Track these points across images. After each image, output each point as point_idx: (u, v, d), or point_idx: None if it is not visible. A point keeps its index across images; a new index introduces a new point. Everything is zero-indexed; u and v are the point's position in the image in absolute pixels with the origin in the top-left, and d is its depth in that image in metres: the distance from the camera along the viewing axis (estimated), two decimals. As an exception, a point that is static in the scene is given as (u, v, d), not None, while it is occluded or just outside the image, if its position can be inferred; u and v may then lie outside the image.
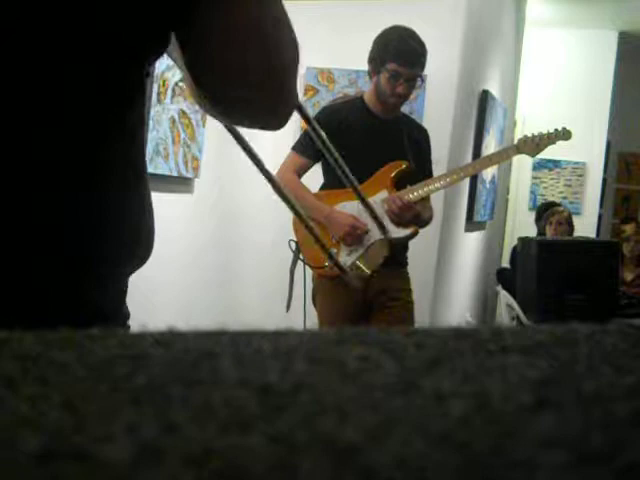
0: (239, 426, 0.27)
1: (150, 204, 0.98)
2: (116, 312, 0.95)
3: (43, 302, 0.85)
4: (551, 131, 3.39)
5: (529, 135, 3.41)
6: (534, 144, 3.37)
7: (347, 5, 4.47)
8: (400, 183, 3.17)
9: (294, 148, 3.23)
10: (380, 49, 3.13)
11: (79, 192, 0.87)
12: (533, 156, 3.50)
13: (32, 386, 0.31)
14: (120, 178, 0.92)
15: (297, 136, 3.44)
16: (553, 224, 5.76)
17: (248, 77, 0.92)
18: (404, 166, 3.16)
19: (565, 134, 3.39)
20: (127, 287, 0.98)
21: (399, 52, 3.08)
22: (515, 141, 3.55)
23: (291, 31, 0.95)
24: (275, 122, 1.01)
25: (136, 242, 0.95)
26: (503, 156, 3.66)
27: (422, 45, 3.14)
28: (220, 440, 0.26)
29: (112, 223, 0.91)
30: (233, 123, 1.08)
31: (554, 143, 3.40)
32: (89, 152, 0.88)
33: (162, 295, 3.66)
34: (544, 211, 6.11)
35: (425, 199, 3.24)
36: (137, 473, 0.23)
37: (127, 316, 0.98)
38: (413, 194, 3.13)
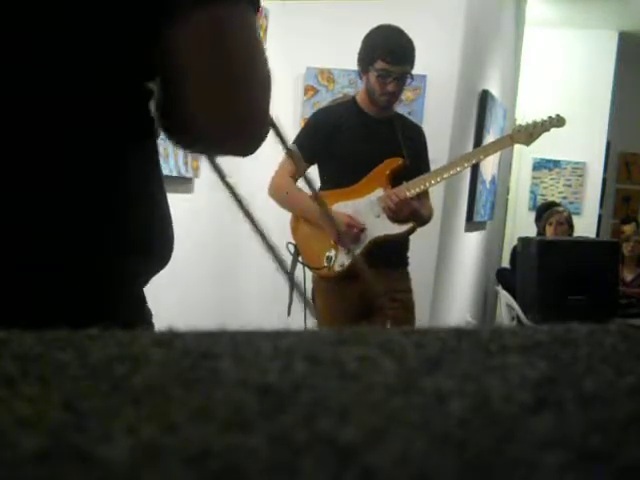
0: (239, 426, 0.27)
1: (166, 208, 0.98)
2: (136, 317, 0.95)
3: (60, 313, 0.85)
4: (545, 119, 3.38)
5: (522, 124, 3.41)
6: (528, 133, 3.35)
7: (347, 5, 4.47)
8: (396, 180, 3.17)
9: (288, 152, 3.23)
10: (367, 49, 3.13)
11: (87, 197, 0.87)
12: (528, 145, 3.48)
13: (32, 386, 0.31)
14: (132, 186, 0.92)
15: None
16: (553, 224, 5.75)
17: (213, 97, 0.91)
18: (399, 163, 3.16)
19: (559, 121, 3.37)
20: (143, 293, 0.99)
21: (386, 50, 3.08)
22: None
23: (263, 62, 0.94)
24: (241, 147, 1.00)
25: (155, 247, 0.95)
26: (498, 146, 3.64)
27: (409, 42, 3.13)
28: (220, 440, 0.26)
29: (126, 228, 0.91)
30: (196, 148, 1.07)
31: (548, 130, 3.38)
32: (100, 161, 0.88)
33: (162, 295, 3.66)
34: (544, 211, 6.11)
35: (424, 197, 3.23)
36: (137, 473, 0.23)
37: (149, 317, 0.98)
38: (409, 190, 3.13)
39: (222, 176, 1.11)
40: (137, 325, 0.93)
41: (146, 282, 0.98)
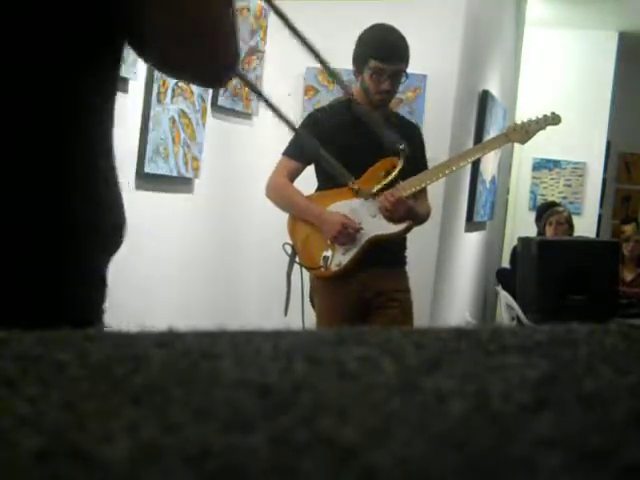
0: (239, 426, 0.27)
1: (116, 194, 0.98)
2: (92, 305, 0.95)
3: (21, 299, 0.86)
4: (540, 117, 3.37)
5: (518, 123, 3.40)
6: (523, 131, 3.35)
7: (347, 5, 4.47)
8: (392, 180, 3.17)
9: (285, 153, 3.24)
10: (361, 48, 3.15)
11: (39, 188, 0.88)
12: (523, 143, 3.47)
13: (32, 386, 0.31)
14: (79, 174, 0.92)
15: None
16: (553, 224, 5.75)
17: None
18: (394, 162, 3.16)
19: (554, 119, 3.36)
20: (102, 278, 0.97)
21: (379, 49, 3.09)
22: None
23: None
24: (209, 68, 0.99)
25: (104, 232, 0.95)
26: (493, 145, 3.64)
27: (403, 40, 3.14)
28: (220, 440, 0.26)
29: (71, 216, 0.91)
30: (170, 72, 1.09)
31: (543, 129, 3.37)
32: (50, 149, 0.89)
33: (162, 295, 3.66)
34: (544, 211, 6.11)
35: (422, 196, 3.23)
36: (137, 473, 0.23)
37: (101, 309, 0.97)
38: (405, 190, 3.13)
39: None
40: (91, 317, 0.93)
41: (104, 265, 0.97)
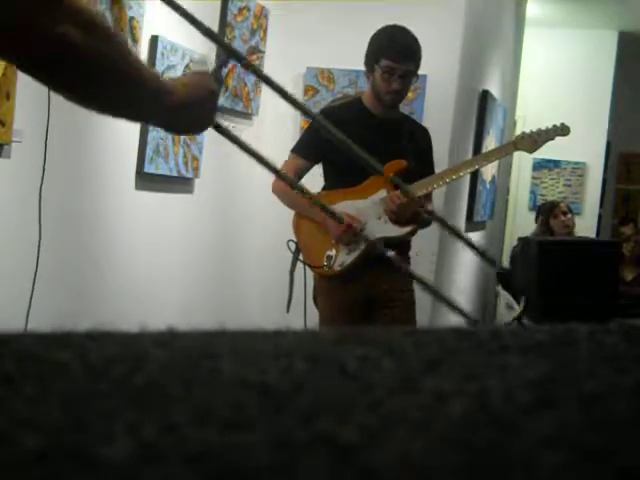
0: (239, 426, 0.27)
1: None
2: None
3: None
4: (549, 127, 3.37)
5: (527, 132, 3.40)
6: (532, 140, 3.35)
7: (347, 5, 4.47)
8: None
9: (293, 150, 3.23)
10: (373, 47, 3.15)
11: None
12: (531, 152, 3.47)
13: (32, 386, 0.31)
14: None
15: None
16: (559, 215, 5.78)
17: None
18: (403, 165, 3.16)
19: (564, 130, 3.36)
20: None
21: (390, 48, 3.09)
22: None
23: None
24: None
25: None
26: (501, 153, 3.65)
27: (415, 40, 3.14)
28: (220, 440, 0.26)
29: None
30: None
31: (553, 139, 3.38)
32: None
33: (162, 295, 3.66)
34: (544, 211, 6.13)
35: (426, 200, 3.23)
36: (137, 473, 0.23)
37: None
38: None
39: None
40: None
41: None
